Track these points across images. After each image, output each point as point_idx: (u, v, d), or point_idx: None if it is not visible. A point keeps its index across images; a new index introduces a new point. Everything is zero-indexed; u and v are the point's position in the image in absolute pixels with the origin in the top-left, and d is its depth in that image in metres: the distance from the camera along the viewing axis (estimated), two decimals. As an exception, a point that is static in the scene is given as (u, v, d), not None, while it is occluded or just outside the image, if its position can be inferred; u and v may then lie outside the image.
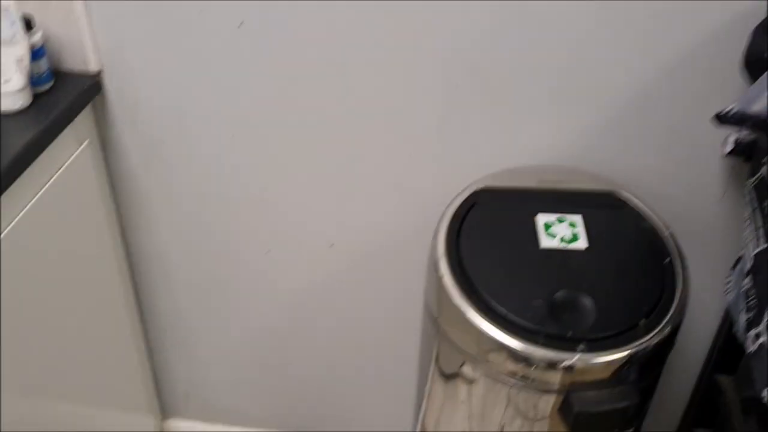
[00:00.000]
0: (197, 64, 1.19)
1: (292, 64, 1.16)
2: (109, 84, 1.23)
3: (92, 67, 1.21)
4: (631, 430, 0.99)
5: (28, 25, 1.10)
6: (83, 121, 1.22)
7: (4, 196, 1.01)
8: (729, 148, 1.00)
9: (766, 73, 0.88)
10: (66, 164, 1.18)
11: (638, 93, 1.10)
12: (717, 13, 1.00)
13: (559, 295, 0.93)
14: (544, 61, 1.09)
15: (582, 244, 1.00)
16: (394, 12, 1.08)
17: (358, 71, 1.15)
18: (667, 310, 0.93)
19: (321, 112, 1.20)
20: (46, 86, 1.16)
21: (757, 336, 0.86)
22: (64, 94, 1.17)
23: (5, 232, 1.04)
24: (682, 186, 1.16)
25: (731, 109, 0.87)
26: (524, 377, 0.90)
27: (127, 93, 1.24)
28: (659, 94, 1.08)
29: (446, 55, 1.11)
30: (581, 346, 0.87)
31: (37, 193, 1.11)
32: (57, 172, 1.16)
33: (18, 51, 1.08)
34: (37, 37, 1.11)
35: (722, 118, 0.88)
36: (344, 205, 1.29)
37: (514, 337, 0.89)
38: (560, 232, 1.02)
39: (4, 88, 1.08)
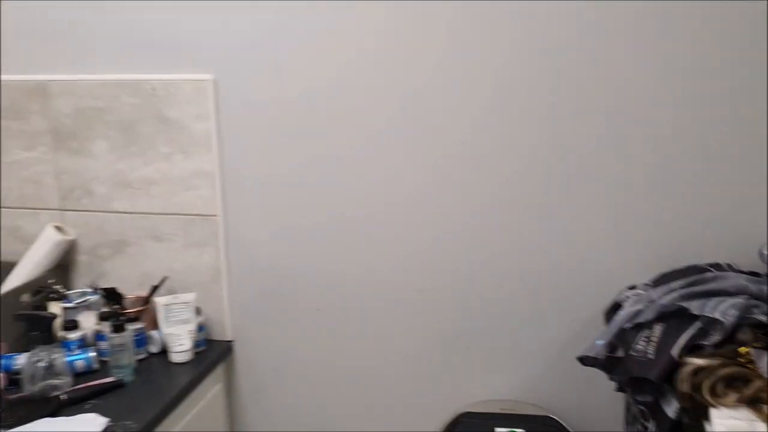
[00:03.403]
0: (295, 334, 1.93)
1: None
2: (237, 348, 1.98)
3: (228, 337, 1.97)
4: None
5: (198, 311, 1.89)
6: (219, 372, 1.95)
7: (171, 414, 1.71)
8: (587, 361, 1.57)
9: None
10: (207, 397, 1.89)
11: (559, 352, 1.75)
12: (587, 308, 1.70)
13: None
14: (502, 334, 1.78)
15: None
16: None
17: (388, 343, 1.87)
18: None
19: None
20: (201, 348, 1.91)
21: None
22: (210, 354, 1.91)
23: (170, 434, 1.72)
24: (594, 411, 1.75)
25: (582, 355, 1.52)
26: None
27: (247, 355, 1.98)
28: (572, 352, 1.73)
29: (445, 331, 1.82)
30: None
31: (189, 412, 1.80)
32: (201, 401, 1.86)
33: (190, 327, 1.85)
34: (201, 318, 1.90)
35: (581, 360, 1.52)
36: None
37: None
38: (509, 438, 1.63)
39: (179, 349, 1.84)
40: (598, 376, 1.54)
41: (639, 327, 1.49)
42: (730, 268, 1.62)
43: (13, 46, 1.92)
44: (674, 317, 1.46)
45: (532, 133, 1.69)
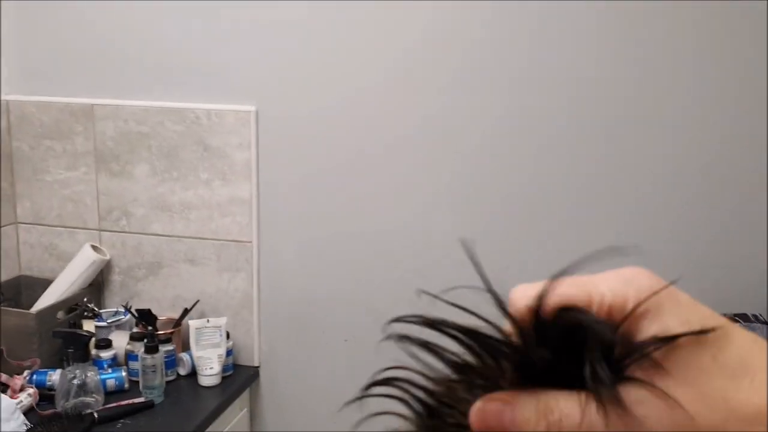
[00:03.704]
0: (322, 363, 1.96)
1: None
2: (263, 374, 2.01)
3: (255, 363, 2.00)
4: None
5: (228, 335, 1.92)
6: (245, 397, 1.98)
7: (199, 435, 1.74)
8: None
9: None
10: (232, 422, 1.91)
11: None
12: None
13: None
14: None
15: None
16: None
17: None
18: None
19: None
20: (229, 373, 1.94)
21: None
22: (237, 378, 1.94)
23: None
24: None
25: None
26: None
27: (272, 382, 2.01)
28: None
29: None
30: None
31: (216, 436, 1.83)
32: (227, 426, 1.88)
33: (220, 351, 1.89)
34: (230, 343, 1.93)
35: None
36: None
37: None
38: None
39: (209, 373, 1.87)
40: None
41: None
42: (756, 319, 1.65)
43: (62, 69, 1.98)
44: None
45: (559, 180, 1.73)
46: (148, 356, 1.78)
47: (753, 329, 1.59)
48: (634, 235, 1.72)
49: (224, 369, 1.91)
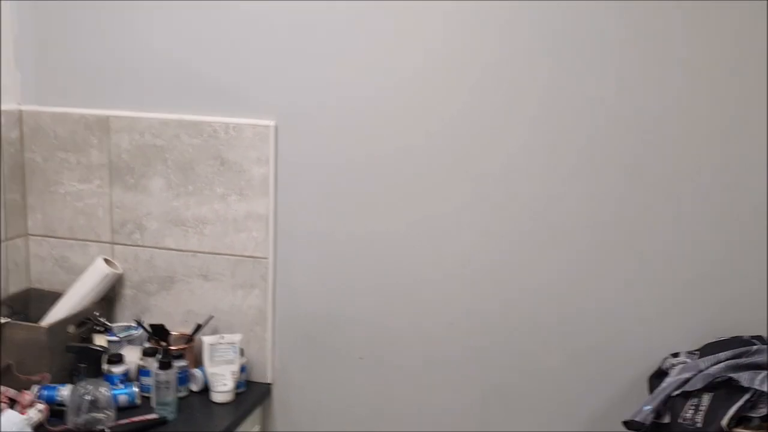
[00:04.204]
0: (335, 381, 1.94)
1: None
2: (275, 391, 1.98)
3: (268, 380, 1.98)
4: None
5: (241, 352, 1.90)
6: (257, 414, 1.95)
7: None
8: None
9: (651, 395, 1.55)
10: (244, 440, 1.89)
11: (602, 415, 1.77)
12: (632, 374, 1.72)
13: None
14: None
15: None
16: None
17: None
18: None
19: None
20: (242, 389, 1.91)
21: None
22: (250, 395, 1.92)
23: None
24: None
25: (627, 419, 1.53)
26: None
27: (285, 399, 1.98)
28: (615, 415, 1.74)
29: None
30: None
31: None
32: (239, 443, 1.86)
33: (234, 368, 1.86)
34: (244, 359, 1.91)
35: (627, 424, 1.53)
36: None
37: None
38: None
39: (222, 389, 1.85)
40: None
41: (687, 395, 1.51)
42: (762, 341, 1.66)
43: (78, 80, 1.97)
44: (723, 388, 1.49)
45: (579, 199, 1.73)
46: (162, 372, 1.75)
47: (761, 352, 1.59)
48: (642, 248, 1.72)
49: (237, 385, 1.89)
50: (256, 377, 1.97)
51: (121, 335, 1.92)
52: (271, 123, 1.85)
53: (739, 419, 1.44)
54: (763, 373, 1.51)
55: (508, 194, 1.76)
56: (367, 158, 1.83)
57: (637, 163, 1.68)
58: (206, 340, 1.87)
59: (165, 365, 1.75)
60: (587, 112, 1.68)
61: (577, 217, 1.74)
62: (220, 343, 1.87)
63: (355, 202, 1.85)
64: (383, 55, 1.77)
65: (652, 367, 1.71)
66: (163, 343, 1.86)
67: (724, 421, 1.43)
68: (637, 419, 1.53)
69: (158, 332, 1.89)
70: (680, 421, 1.50)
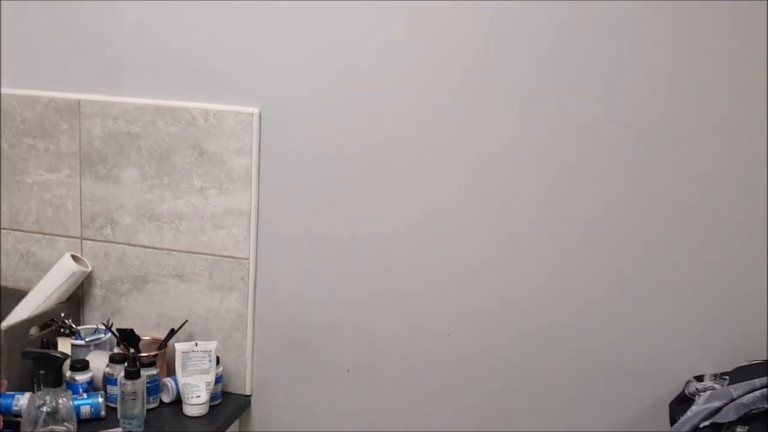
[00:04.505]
0: (320, 393, 1.78)
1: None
2: (255, 404, 1.82)
3: (246, 391, 1.81)
4: None
5: (218, 361, 1.74)
6: (234, 428, 1.79)
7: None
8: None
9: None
10: (219, 456, 1.73)
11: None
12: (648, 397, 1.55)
13: None
14: None
15: None
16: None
17: None
18: None
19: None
20: (217, 401, 1.75)
21: None
22: (226, 408, 1.76)
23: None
24: None
25: None
26: None
27: (265, 412, 1.82)
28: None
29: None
30: None
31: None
32: (213, 461, 1.70)
33: (208, 378, 1.70)
34: (220, 369, 1.75)
35: None
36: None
37: None
38: None
39: (195, 401, 1.68)
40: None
41: (717, 427, 1.34)
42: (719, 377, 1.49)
43: (48, 60, 1.81)
44: (760, 420, 1.32)
45: (597, 206, 1.56)
46: (129, 382, 1.59)
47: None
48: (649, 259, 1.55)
49: (212, 397, 1.73)
50: (234, 388, 1.81)
51: (88, 339, 1.76)
52: (255, 110, 1.69)
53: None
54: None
55: (514, 188, 1.59)
56: (360, 151, 1.66)
57: (660, 163, 1.51)
58: (179, 347, 1.71)
59: (132, 375, 1.59)
60: (600, 109, 1.51)
61: (589, 217, 1.56)
62: (194, 351, 1.70)
63: (346, 198, 1.69)
64: (378, 41, 1.60)
65: (672, 391, 1.53)
66: (132, 350, 1.70)
67: (758, 457, 1.27)
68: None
69: (127, 337, 1.73)
70: (708, 456, 1.34)
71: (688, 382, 1.52)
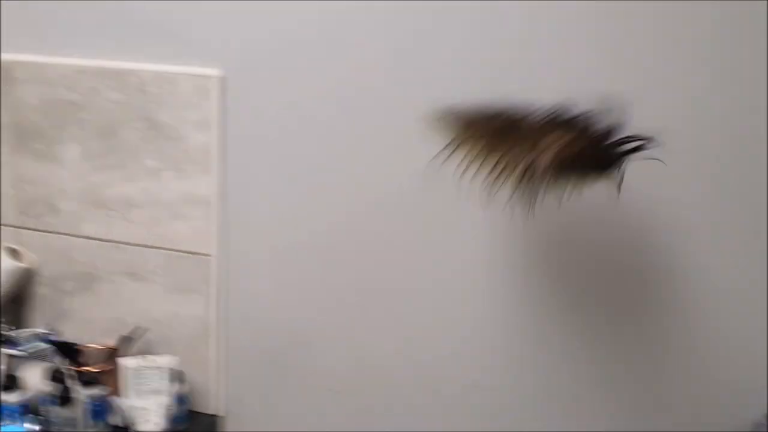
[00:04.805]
0: (304, 412, 1.47)
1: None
2: (228, 426, 1.53)
3: (216, 411, 1.52)
4: None
5: (179, 377, 1.44)
6: (202, 454, 1.50)
7: None
8: None
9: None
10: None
11: None
12: None
13: None
14: None
15: None
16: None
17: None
18: None
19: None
20: (181, 426, 1.46)
21: None
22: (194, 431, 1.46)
23: None
24: None
25: None
26: None
27: (239, 434, 1.53)
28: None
29: None
30: None
31: None
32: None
33: (163, 399, 1.41)
34: (183, 387, 1.45)
35: None
36: None
37: None
38: None
39: (147, 427, 1.39)
40: None
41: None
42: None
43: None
44: None
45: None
46: (61, 409, 1.30)
47: None
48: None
49: (174, 420, 1.44)
50: (202, 407, 1.52)
51: (25, 347, 1.47)
52: (216, 73, 1.36)
53: None
54: None
55: None
56: (345, 123, 1.32)
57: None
58: (127, 364, 1.41)
59: (65, 400, 1.30)
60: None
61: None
62: (146, 368, 1.41)
63: (327, 182, 1.36)
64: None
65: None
66: (72, 367, 1.41)
67: None
68: None
69: (66, 350, 1.44)
70: None
71: (758, 423, 1.18)
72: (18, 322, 1.57)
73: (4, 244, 1.54)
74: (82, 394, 1.35)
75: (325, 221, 1.38)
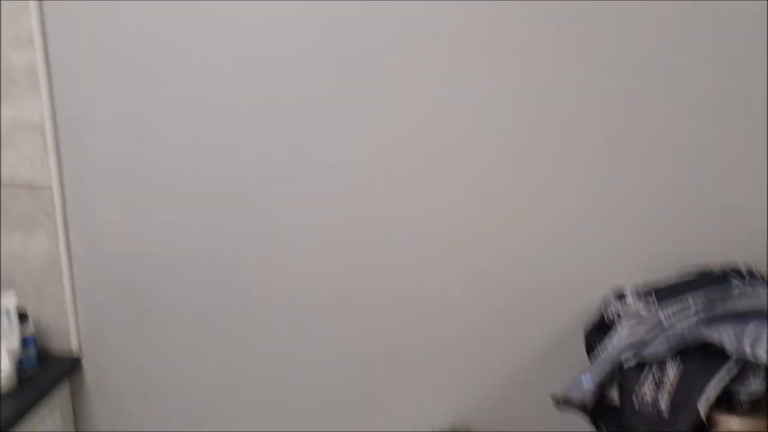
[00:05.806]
0: (167, 345, 1.41)
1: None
2: (87, 365, 1.44)
3: (74, 351, 1.43)
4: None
5: (24, 318, 1.34)
6: (59, 399, 1.42)
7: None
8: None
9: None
10: (40, 434, 1.36)
11: (523, 378, 1.29)
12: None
13: None
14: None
15: None
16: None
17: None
18: None
19: None
20: (32, 370, 1.37)
21: None
22: (45, 376, 1.37)
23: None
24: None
25: (562, 395, 1.08)
26: None
27: (101, 374, 1.45)
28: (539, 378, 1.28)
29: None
30: None
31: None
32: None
33: (10, 343, 1.30)
34: (29, 328, 1.35)
35: (560, 402, 1.08)
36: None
37: None
38: None
39: (-7, 374, 1.29)
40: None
41: (643, 364, 1.05)
42: (751, 275, 1.19)
43: None
44: (695, 353, 1.04)
45: (515, 127, 1.19)
46: None
47: (758, 294, 1.13)
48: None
49: (22, 365, 1.34)
50: (57, 349, 1.43)
51: None
52: (32, -18, 1.23)
53: (725, 400, 0.98)
54: (752, 327, 1.05)
55: (430, 115, 1.21)
56: (178, 35, 1.23)
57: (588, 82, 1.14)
58: (-39, 307, 1.30)
59: None
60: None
61: (505, 140, 1.20)
62: (-16, 311, 1.30)
63: (176, 92, 1.26)
64: None
65: (586, 311, 1.23)
66: None
67: (701, 405, 0.98)
68: (573, 396, 1.08)
69: None
70: (635, 401, 1.05)
71: (606, 302, 1.21)
72: None
73: None
74: None
75: (172, 140, 1.29)
